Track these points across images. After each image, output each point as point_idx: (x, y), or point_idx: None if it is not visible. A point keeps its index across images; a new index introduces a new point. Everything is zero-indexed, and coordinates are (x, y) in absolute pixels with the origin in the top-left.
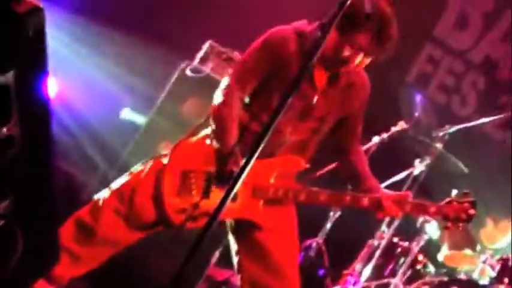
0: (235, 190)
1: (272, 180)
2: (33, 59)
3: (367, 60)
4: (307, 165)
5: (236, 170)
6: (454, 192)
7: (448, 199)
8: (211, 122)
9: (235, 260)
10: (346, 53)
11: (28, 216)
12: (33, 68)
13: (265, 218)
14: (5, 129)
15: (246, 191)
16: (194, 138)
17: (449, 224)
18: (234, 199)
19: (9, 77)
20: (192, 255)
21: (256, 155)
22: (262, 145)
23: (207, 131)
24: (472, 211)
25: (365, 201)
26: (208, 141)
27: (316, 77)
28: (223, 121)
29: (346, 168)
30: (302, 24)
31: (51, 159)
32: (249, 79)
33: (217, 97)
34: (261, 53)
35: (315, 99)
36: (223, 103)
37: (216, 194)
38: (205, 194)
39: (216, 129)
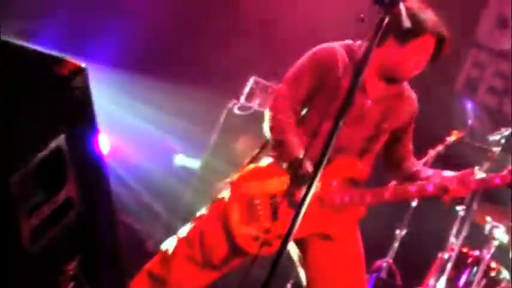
0: (304, 208)
1: (335, 187)
2: (82, 119)
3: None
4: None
5: (310, 170)
6: None
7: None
8: (269, 135)
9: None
10: (414, 59)
11: (97, 274)
12: (83, 127)
13: (335, 227)
14: (63, 192)
15: (313, 204)
16: (251, 166)
17: None
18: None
19: (61, 140)
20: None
21: (319, 173)
22: (323, 165)
23: (265, 160)
24: None
25: (430, 187)
26: (265, 164)
27: (371, 87)
28: (281, 132)
29: (403, 175)
30: (348, 42)
31: (113, 214)
32: (299, 87)
33: (269, 111)
34: (309, 65)
35: (368, 104)
36: (276, 113)
37: (285, 215)
38: (274, 216)
39: (276, 140)
